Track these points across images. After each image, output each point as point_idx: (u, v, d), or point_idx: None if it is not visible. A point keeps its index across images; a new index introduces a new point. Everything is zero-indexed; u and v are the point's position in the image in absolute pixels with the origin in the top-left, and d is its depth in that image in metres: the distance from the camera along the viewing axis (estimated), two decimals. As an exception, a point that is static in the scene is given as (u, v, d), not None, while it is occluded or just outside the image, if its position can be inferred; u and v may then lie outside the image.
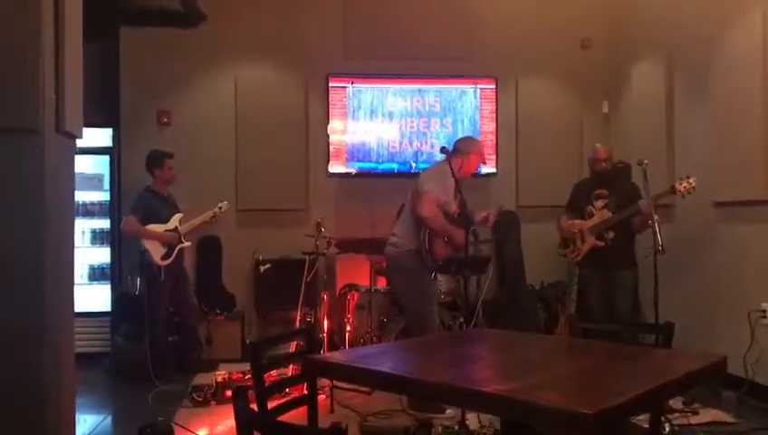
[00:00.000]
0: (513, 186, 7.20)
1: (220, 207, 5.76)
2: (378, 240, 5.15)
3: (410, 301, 4.38)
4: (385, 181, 6.68)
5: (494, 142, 7.06)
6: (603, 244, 5.11)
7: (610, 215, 5.10)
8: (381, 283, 5.99)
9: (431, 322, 4.31)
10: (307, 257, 5.37)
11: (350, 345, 5.51)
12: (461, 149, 4.50)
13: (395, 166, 6.83)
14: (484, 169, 6.34)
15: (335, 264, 6.58)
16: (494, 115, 7.00)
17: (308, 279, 5.25)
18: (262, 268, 6.24)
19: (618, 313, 5.08)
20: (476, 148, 4.58)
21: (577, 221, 5.25)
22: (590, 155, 5.38)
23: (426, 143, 6.83)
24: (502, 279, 6.83)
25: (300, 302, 5.28)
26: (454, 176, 4.26)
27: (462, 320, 5.21)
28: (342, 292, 6.03)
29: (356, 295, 5.75)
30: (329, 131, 6.79)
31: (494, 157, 7.02)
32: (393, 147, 6.83)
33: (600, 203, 5.21)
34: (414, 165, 6.78)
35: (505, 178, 7.04)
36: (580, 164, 6.87)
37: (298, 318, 5.33)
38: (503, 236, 6.86)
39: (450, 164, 4.26)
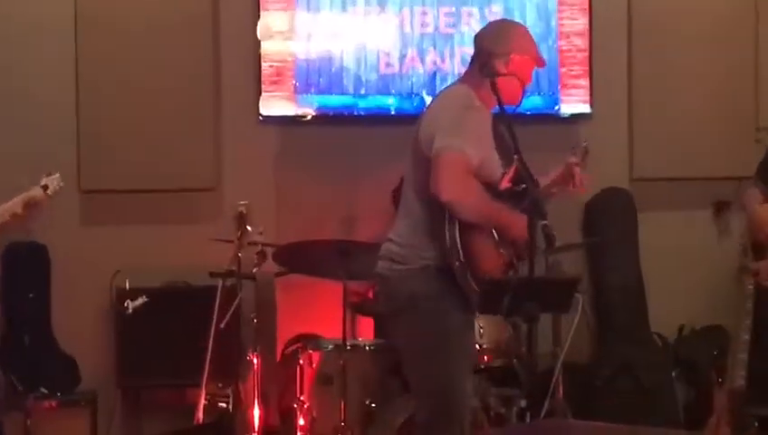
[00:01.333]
0: (623, 141, 5.89)
1: (45, 187, 4.38)
2: (358, 249, 4.51)
3: (425, 366, 3.56)
4: (372, 133, 5.49)
5: (587, 57, 5.62)
6: None
7: None
8: (365, 330, 5.31)
9: (463, 407, 3.58)
10: (219, 283, 4.70)
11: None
12: (491, 47, 3.59)
13: (391, 102, 5.49)
14: (566, 107, 5.44)
15: (274, 295, 5.46)
16: (587, 3, 5.62)
17: (221, 325, 4.60)
18: (130, 305, 5.11)
19: None
20: (520, 38, 3.66)
21: None
22: None
23: (452, 57, 5.45)
24: (601, 323, 5.77)
25: (205, 371, 4.63)
26: (499, 102, 3.43)
27: (523, 403, 4.60)
28: (290, 350, 5.07)
29: (316, 357, 4.73)
30: (259, 35, 5.41)
31: (585, 84, 5.63)
32: (388, 65, 5.50)
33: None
34: (428, 101, 5.04)
35: (608, 125, 5.73)
36: (754, 102, 5.73)
37: (201, 404, 4.67)
38: (603, 238, 5.65)
39: (474, 80, 3.55)
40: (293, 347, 5.07)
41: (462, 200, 3.45)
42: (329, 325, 4.95)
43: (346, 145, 5.51)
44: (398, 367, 4.34)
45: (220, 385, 4.90)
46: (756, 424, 3.98)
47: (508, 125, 3.46)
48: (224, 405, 4.87)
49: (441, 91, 3.91)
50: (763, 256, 4.49)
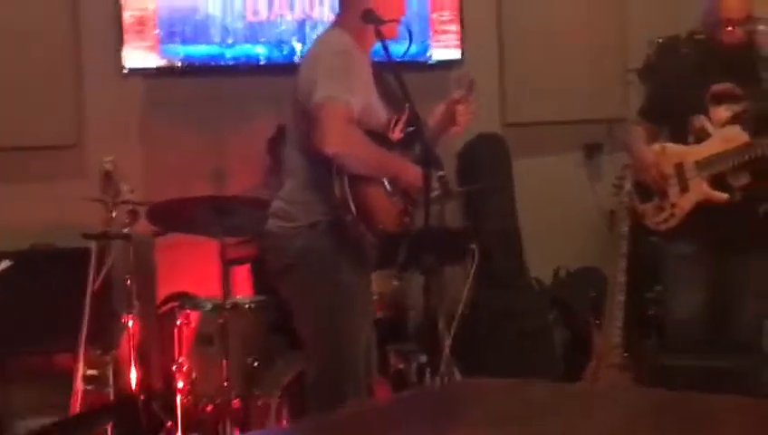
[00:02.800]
0: (494, 86, 5.91)
1: None
2: (232, 204, 4.40)
3: (318, 323, 3.56)
4: (241, 83, 5.39)
5: (457, 2, 5.60)
6: (727, 198, 4.21)
7: (747, 139, 4.20)
8: (241, 288, 5.05)
9: (358, 364, 3.58)
10: (92, 245, 4.55)
11: (187, 418, 4.56)
12: None
13: (260, 51, 5.39)
14: (437, 54, 5.45)
15: (152, 256, 5.31)
16: None
17: (94, 288, 4.46)
18: None
19: (739, 329, 4.36)
20: None
21: (670, 145, 4.34)
22: (706, 7, 4.32)
23: (321, 3, 5.41)
24: (480, 271, 5.44)
25: (81, 335, 4.46)
26: (384, 46, 3.45)
27: (423, 359, 4.57)
28: (167, 311, 4.94)
29: (194, 317, 4.63)
30: None
31: (456, 29, 5.61)
32: (255, 12, 5.36)
33: (722, 111, 4.26)
34: (299, 49, 5.29)
35: (479, 71, 5.26)
36: (623, 44, 5.91)
37: (80, 370, 4.46)
38: (479, 184, 5.67)
39: (348, 24, 3.50)
40: (169, 306, 4.94)
41: (348, 152, 3.39)
42: (207, 284, 4.87)
43: (214, 96, 5.29)
44: (281, 324, 4.37)
45: (98, 352, 4.70)
46: (659, 371, 4.06)
47: (396, 73, 3.38)
48: (98, 372, 4.62)
49: (316, 39, 3.79)
50: (648, 198, 4.47)
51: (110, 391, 4.60)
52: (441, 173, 3.43)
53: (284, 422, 4.07)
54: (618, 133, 5.19)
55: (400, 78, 3.33)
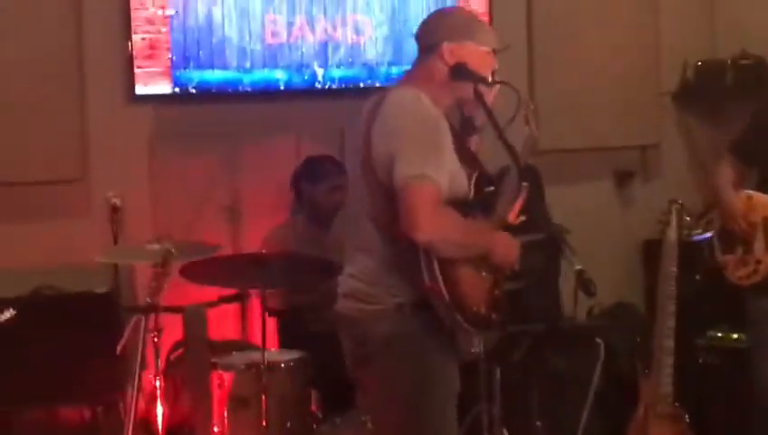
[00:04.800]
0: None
1: None
2: (273, 259, 4.09)
3: (405, 414, 3.30)
4: (259, 111, 5.23)
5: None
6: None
7: None
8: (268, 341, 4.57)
9: None
10: (101, 290, 4.63)
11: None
12: (443, 34, 3.28)
13: (279, 76, 5.23)
14: None
15: (202, 325, 4.98)
16: None
17: (118, 349, 4.14)
18: None
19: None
20: (473, 24, 3.38)
21: (758, 195, 4.16)
22: None
23: (344, 25, 5.22)
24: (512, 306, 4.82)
25: (131, 397, 4.05)
26: (488, 111, 3.28)
27: None
28: (175, 357, 4.81)
29: (228, 378, 4.34)
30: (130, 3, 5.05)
31: None
32: (274, 35, 5.20)
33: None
34: (321, 74, 5.17)
35: (508, 94, 4.88)
36: (656, 65, 5.69)
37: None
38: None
39: (426, 81, 3.24)
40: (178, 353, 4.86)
41: (442, 239, 3.18)
42: (225, 331, 4.89)
43: (230, 125, 5.15)
44: (319, 382, 4.29)
45: (100, 408, 4.65)
46: None
47: (504, 141, 3.15)
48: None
49: (386, 98, 3.34)
50: (731, 247, 4.32)
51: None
52: (579, 268, 3.30)
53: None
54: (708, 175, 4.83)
55: (508, 145, 3.13)
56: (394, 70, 4.90)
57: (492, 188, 3.26)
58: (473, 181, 3.28)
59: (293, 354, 4.41)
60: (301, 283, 4.44)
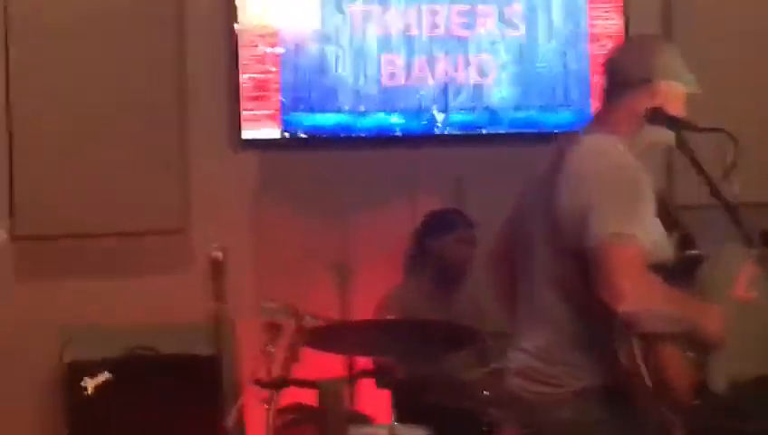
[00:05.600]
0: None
1: None
2: (394, 326, 3.97)
3: None
4: (373, 158, 5.07)
5: None
6: None
7: None
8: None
9: None
10: (214, 359, 4.51)
11: None
12: (657, 70, 3.03)
13: (395, 121, 5.05)
14: None
15: (339, 398, 4.41)
16: (621, 1, 5.30)
17: (227, 424, 3.85)
18: (89, 384, 4.48)
19: None
20: (680, 61, 3.11)
21: None
22: None
23: (466, 66, 4.99)
24: None
25: None
26: (695, 162, 2.98)
27: None
28: (286, 421, 4.33)
29: None
30: (238, 33, 4.93)
31: None
32: (391, 77, 5.00)
33: None
34: (441, 118, 4.95)
35: None
36: None
37: None
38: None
39: (621, 127, 3.01)
40: (290, 417, 4.40)
41: (648, 310, 2.89)
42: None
43: (342, 173, 4.94)
44: None
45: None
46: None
47: (723, 201, 2.83)
48: None
49: (572, 141, 3.14)
50: None
51: None
52: None
53: None
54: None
55: (728, 203, 2.80)
56: (520, 114, 4.67)
57: (696, 251, 2.96)
58: (674, 242, 3.00)
59: (418, 431, 3.98)
60: (433, 352, 4.16)
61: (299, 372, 4.06)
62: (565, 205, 2.88)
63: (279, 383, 3.76)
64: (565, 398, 3.00)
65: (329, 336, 3.96)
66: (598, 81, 4.80)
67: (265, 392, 4.00)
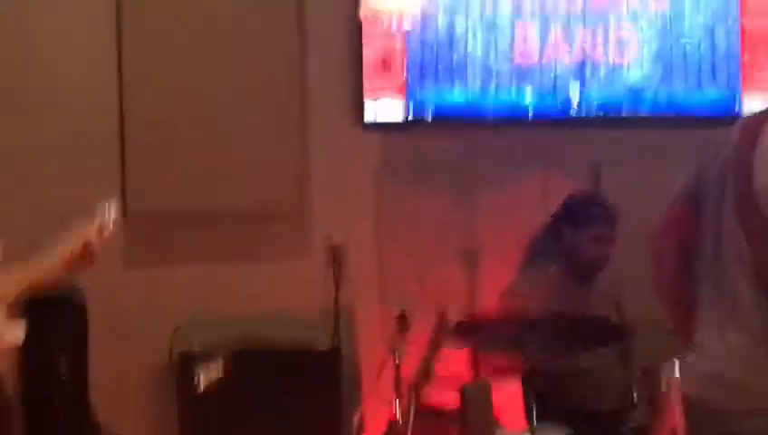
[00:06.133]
0: None
1: (108, 215, 3.47)
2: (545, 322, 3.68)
3: None
4: (503, 140, 4.80)
5: None
6: None
7: None
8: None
9: None
10: (319, 348, 4.42)
11: None
12: None
13: (528, 101, 4.79)
14: (749, 104, 4.72)
15: (487, 402, 4.35)
16: None
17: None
18: (202, 379, 4.31)
19: None
20: None
21: None
22: None
23: (605, 42, 4.71)
24: None
25: None
26: None
27: None
28: None
29: None
30: (360, 16, 4.69)
31: None
32: (524, 54, 4.76)
33: None
34: (576, 99, 4.69)
35: None
36: None
37: None
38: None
39: None
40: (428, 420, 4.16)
41: None
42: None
43: (470, 155, 4.72)
44: None
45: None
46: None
47: None
48: None
49: None
50: None
51: None
52: None
53: None
54: None
55: None
56: (663, 95, 4.40)
57: None
58: None
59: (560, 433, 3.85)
60: (574, 348, 3.92)
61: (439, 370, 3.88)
62: (764, 183, 2.67)
63: (421, 383, 3.72)
64: (757, 408, 2.74)
65: (476, 332, 3.76)
66: (749, 60, 4.51)
67: (395, 392, 3.79)
